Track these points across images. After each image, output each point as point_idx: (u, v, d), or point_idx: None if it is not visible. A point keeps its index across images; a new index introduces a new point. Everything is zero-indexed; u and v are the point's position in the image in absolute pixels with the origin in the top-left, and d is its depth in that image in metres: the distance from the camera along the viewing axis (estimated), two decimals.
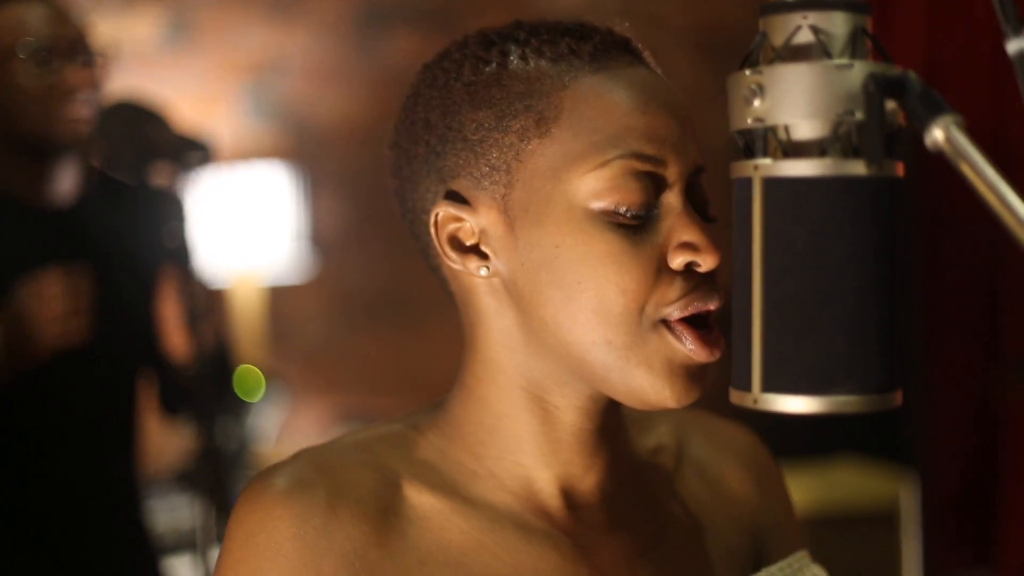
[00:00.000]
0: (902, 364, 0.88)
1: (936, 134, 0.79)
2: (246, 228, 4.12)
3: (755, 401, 0.87)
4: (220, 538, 2.15)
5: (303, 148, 4.50)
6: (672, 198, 1.05)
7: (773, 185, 0.85)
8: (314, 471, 1.05)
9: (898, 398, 0.87)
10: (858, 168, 0.83)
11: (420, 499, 1.07)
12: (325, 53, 4.56)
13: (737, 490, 1.26)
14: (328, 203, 4.53)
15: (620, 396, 1.06)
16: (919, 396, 5.14)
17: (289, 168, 4.31)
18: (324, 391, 4.55)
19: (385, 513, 1.05)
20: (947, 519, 5.32)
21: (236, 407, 2.67)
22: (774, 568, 1.21)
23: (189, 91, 4.31)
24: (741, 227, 0.87)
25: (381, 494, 1.06)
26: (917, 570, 2.57)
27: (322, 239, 4.48)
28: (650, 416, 1.24)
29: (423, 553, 1.05)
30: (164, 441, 3.01)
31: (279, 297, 4.38)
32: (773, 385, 0.86)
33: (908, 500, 3.00)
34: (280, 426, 4.28)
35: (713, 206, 1.09)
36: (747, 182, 0.86)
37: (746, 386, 0.88)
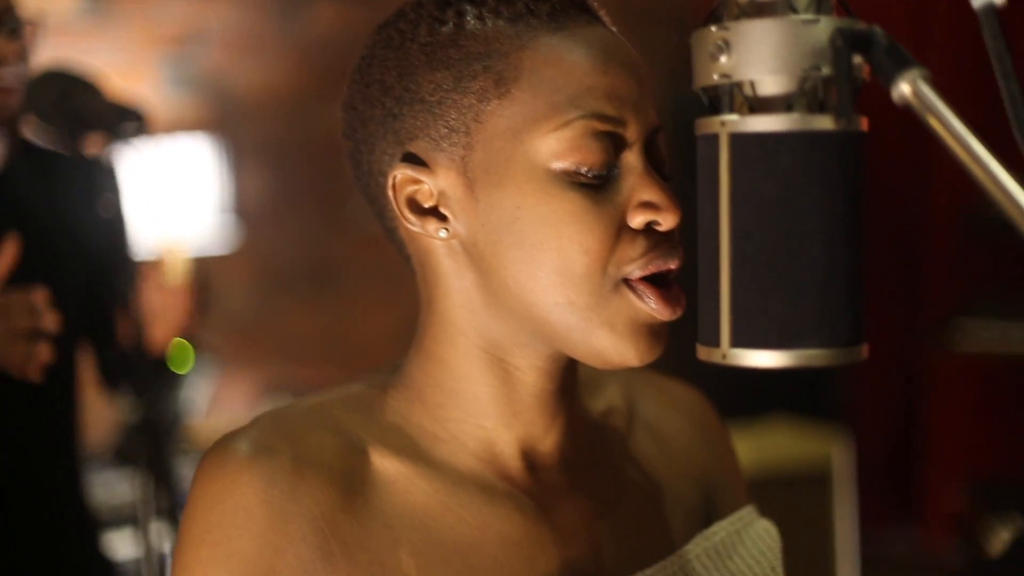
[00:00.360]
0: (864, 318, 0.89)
1: (903, 88, 0.80)
2: (170, 200, 4.08)
3: (724, 356, 0.88)
4: (160, 512, 2.14)
5: (226, 119, 4.46)
6: (632, 158, 1.05)
7: (740, 141, 0.85)
8: (277, 436, 1.04)
9: (864, 351, 0.88)
10: (825, 123, 0.84)
11: (384, 463, 1.07)
12: (246, 23, 4.51)
13: (687, 448, 1.27)
14: (252, 174, 4.49)
15: (582, 356, 1.06)
16: None
17: (212, 139, 4.27)
18: (251, 363, 4.53)
19: (350, 477, 1.05)
20: (874, 477, 5.40)
21: (170, 380, 2.65)
22: (725, 523, 1.23)
23: (110, 63, 4.25)
24: (707, 184, 0.88)
25: (345, 458, 1.05)
26: (850, 529, 2.60)
27: (246, 210, 4.44)
28: (599, 379, 1.25)
29: (388, 516, 1.05)
30: (98, 415, 2.98)
31: (204, 268, 4.34)
32: (742, 340, 0.87)
33: (840, 460, 3.03)
34: (209, 399, 4.25)
35: (669, 164, 1.10)
36: (713, 138, 0.87)
37: (714, 342, 0.88)
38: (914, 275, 5.29)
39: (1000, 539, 4.36)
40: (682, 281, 1.08)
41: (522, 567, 1.07)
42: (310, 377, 4.38)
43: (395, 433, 1.09)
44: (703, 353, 0.90)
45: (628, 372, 1.26)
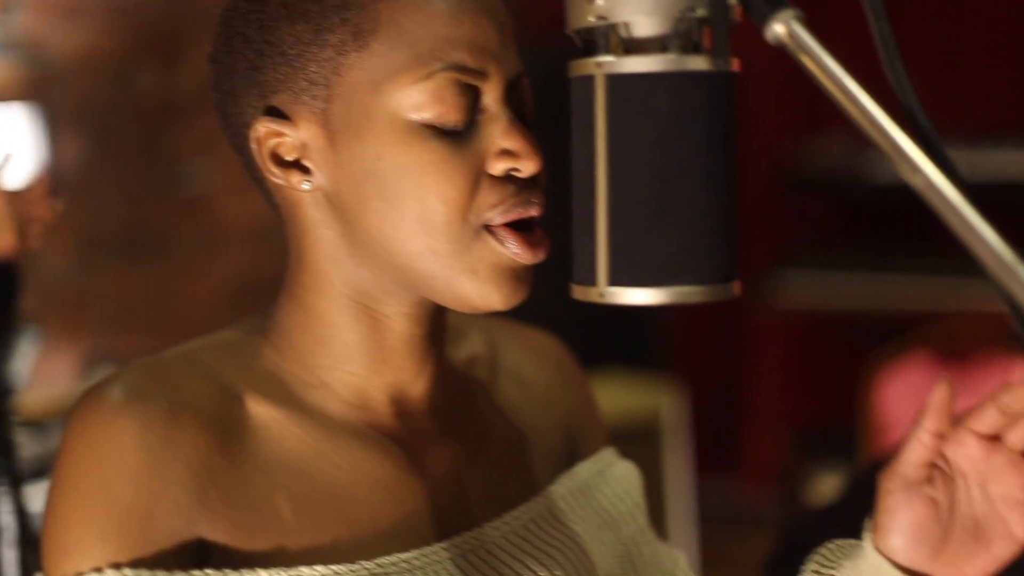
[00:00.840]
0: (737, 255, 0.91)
1: (777, 29, 0.81)
2: None
3: (601, 295, 0.89)
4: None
5: (43, 85, 4.34)
6: (493, 107, 1.06)
7: (617, 82, 0.86)
8: (151, 382, 1.03)
9: (737, 288, 0.91)
10: (700, 63, 0.85)
11: (258, 409, 1.06)
12: None
13: (547, 393, 1.28)
14: (71, 140, 4.38)
15: (447, 302, 1.07)
16: (669, 309, 5.29)
17: (28, 106, 4.15)
18: (73, 333, 4.43)
19: (226, 423, 1.04)
20: (697, 430, 5.52)
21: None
22: (587, 463, 1.25)
23: None
24: (581, 125, 0.89)
25: (220, 404, 1.05)
26: (682, 482, 2.66)
27: (63, 177, 4.34)
28: (462, 327, 1.26)
29: (264, 462, 1.05)
30: None
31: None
32: (619, 279, 0.88)
33: (670, 412, 3.09)
34: (31, 370, 4.15)
35: (532, 109, 1.11)
36: (588, 80, 0.88)
37: (590, 281, 0.90)
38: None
39: (821, 488, 4.50)
40: (547, 225, 1.09)
41: (394, 511, 1.08)
42: (132, 345, 4.30)
43: (268, 380, 1.09)
44: (579, 293, 0.91)
45: (490, 321, 1.27)
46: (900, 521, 1.05)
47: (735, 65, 0.87)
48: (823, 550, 1.16)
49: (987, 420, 1.02)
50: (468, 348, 1.26)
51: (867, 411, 4.33)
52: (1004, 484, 1.03)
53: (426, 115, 1.03)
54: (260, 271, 4.29)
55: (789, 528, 2.30)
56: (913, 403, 4.18)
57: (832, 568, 1.12)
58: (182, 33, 4.33)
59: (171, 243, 4.43)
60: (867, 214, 5.22)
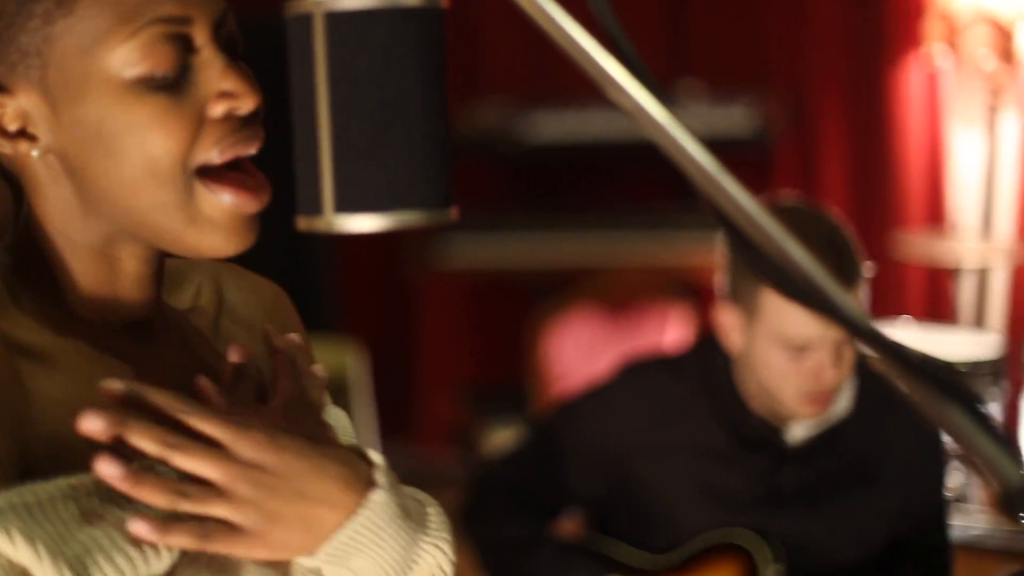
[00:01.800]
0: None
1: None
2: None
3: (328, 224, 0.93)
4: None
5: None
6: (205, 50, 1.09)
7: (335, 19, 0.91)
8: None
9: (455, 212, 0.97)
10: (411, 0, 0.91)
11: (21, 336, 1.07)
12: None
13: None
14: None
15: (180, 251, 1.13)
16: (334, 270, 5.34)
17: None
18: None
19: None
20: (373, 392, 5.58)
21: None
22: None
23: None
24: (301, 62, 0.93)
25: None
26: (370, 443, 2.73)
27: None
28: (187, 269, 1.28)
29: (35, 394, 1.05)
30: None
31: None
32: (345, 207, 0.93)
33: (354, 374, 3.13)
34: None
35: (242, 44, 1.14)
36: (306, 18, 0.92)
37: (316, 211, 0.94)
38: None
39: (496, 441, 4.63)
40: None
41: None
42: None
43: (15, 310, 1.10)
44: (303, 223, 0.95)
45: (214, 263, 1.30)
46: None
47: (444, 1, 0.93)
48: None
49: None
50: (194, 287, 1.29)
51: (534, 364, 4.49)
52: None
53: (139, 71, 1.06)
54: None
55: (474, 479, 2.39)
56: (576, 354, 4.36)
57: None
58: None
59: None
60: (526, 175, 5.39)
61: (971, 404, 0.79)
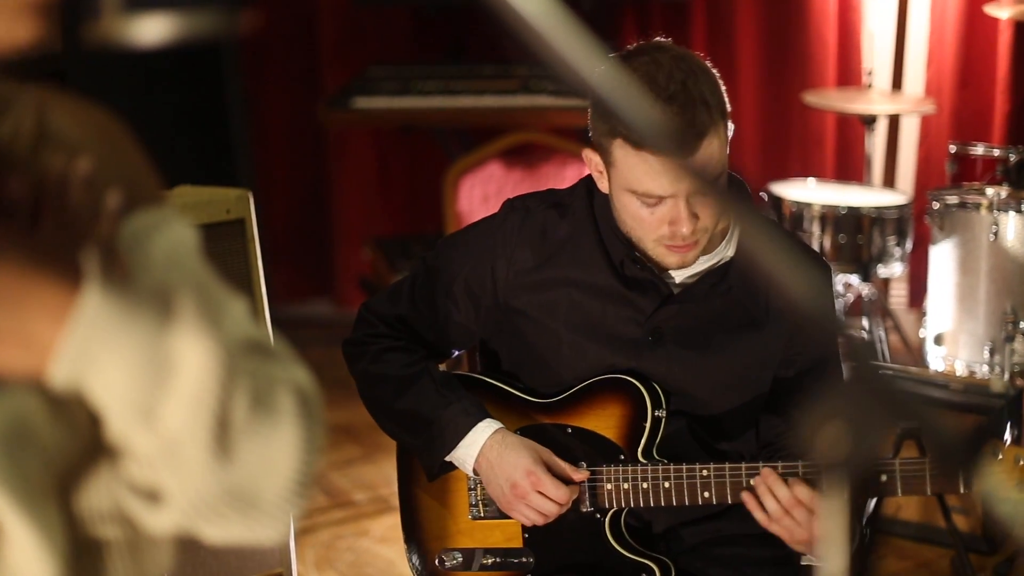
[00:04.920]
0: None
1: None
2: None
3: (109, 30, 0.92)
4: None
5: None
6: None
7: None
8: None
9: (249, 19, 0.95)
10: None
11: None
12: None
13: (97, 160, 1.30)
14: None
15: None
16: (246, 123, 5.28)
17: None
18: None
19: None
20: (288, 247, 5.58)
21: None
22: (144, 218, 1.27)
23: None
24: None
25: None
26: (259, 272, 2.73)
27: None
28: (9, 96, 1.25)
29: None
30: None
31: None
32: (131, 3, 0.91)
33: (249, 221, 3.09)
34: None
35: None
36: None
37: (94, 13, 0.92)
38: (311, 52, 5.42)
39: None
40: None
41: None
42: None
43: None
44: (87, 31, 0.94)
45: (38, 91, 1.27)
46: None
47: None
48: None
49: None
50: (13, 118, 1.26)
51: (447, 219, 4.50)
52: None
53: None
54: None
55: (358, 314, 2.37)
56: (486, 209, 4.37)
57: None
58: None
59: None
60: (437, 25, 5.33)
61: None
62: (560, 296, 2.19)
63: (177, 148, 4.87)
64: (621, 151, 2.04)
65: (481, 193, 4.35)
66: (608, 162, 2.08)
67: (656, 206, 2.05)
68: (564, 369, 2.20)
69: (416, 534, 2.33)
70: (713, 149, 2.02)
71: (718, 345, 2.18)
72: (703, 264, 2.17)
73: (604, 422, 2.19)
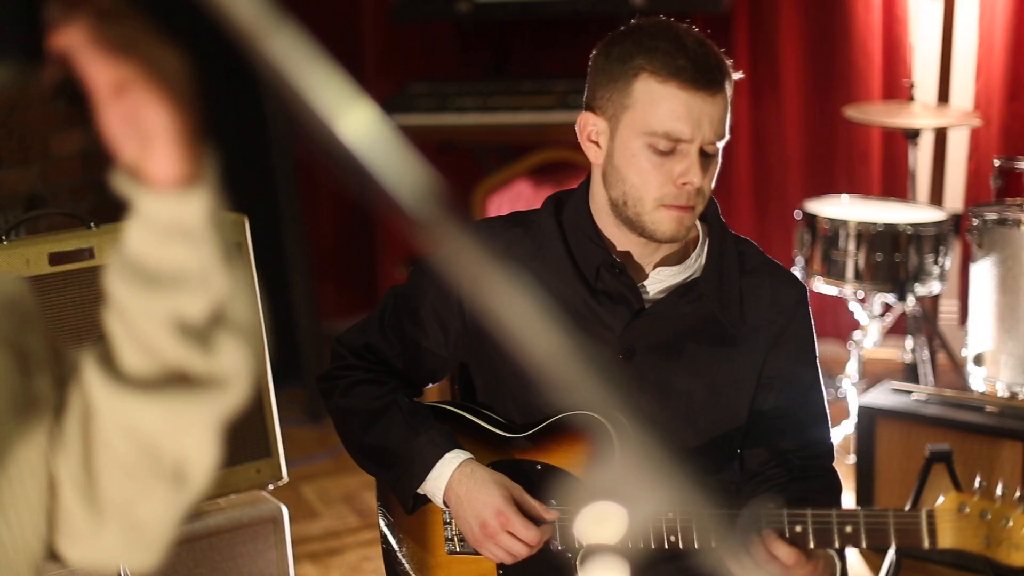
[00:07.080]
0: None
1: None
2: None
3: None
4: None
5: None
6: None
7: None
8: None
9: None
10: None
11: None
12: None
13: None
14: None
15: None
16: (290, 144, 5.28)
17: None
18: None
19: None
20: (335, 265, 5.58)
21: None
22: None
23: None
24: None
25: None
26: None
27: None
28: None
29: None
30: None
31: None
32: None
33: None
34: None
35: None
36: None
37: None
38: (354, 67, 5.41)
39: None
40: None
41: None
42: None
43: None
44: None
45: None
46: None
47: None
48: None
49: None
50: None
51: None
52: None
53: None
54: None
55: (331, 348, 2.34)
56: None
57: None
58: None
59: None
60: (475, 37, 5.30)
61: None
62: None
63: (219, 170, 4.86)
64: (644, 88, 2.02)
65: (509, 211, 4.32)
66: (621, 109, 2.04)
67: (668, 156, 2.02)
68: (532, 395, 2.15)
69: (396, 567, 2.29)
70: (723, 108, 2.03)
71: (691, 360, 2.12)
72: (675, 277, 2.13)
73: (572, 459, 2.13)
